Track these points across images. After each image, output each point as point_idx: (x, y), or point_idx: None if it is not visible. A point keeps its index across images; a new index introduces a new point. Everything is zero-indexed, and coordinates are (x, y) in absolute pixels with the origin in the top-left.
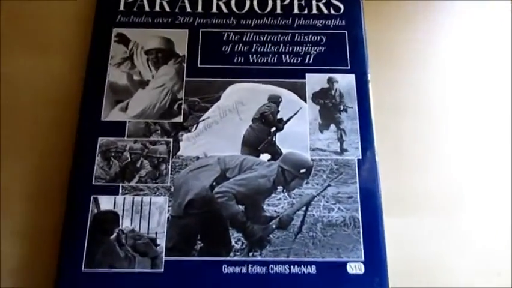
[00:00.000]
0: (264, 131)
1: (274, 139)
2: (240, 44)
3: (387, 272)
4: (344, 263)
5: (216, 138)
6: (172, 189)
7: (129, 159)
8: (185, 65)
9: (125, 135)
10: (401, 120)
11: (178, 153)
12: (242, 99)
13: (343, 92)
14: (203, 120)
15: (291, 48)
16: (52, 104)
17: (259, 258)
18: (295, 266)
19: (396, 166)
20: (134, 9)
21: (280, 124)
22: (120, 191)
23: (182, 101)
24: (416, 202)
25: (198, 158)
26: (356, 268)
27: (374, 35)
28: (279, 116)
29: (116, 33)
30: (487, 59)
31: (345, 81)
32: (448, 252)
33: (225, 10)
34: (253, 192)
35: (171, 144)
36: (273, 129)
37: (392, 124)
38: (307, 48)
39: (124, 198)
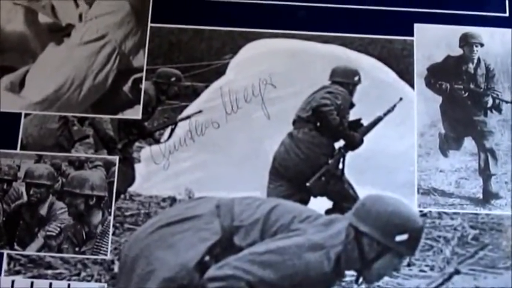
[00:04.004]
0: (319, 146)
1: (341, 165)
2: None
3: None
4: None
5: (215, 157)
6: (117, 268)
7: (25, 198)
8: None
9: (18, 146)
10: None
11: (131, 189)
12: (274, 72)
13: (494, 66)
14: (187, 117)
15: None
16: None
17: None
18: None
19: None
20: None
21: (355, 133)
22: (4, 266)
23: (143, 74)
24: None
25: (173, 200)
26: None
27: None
28: (352, 116)
29: None
30: None
31: (501, 44)
32: None
33: None
34: (291, 283)
35: (115, 169)
36: (340, 143)
37: None
38: None
39: (13, 283)
